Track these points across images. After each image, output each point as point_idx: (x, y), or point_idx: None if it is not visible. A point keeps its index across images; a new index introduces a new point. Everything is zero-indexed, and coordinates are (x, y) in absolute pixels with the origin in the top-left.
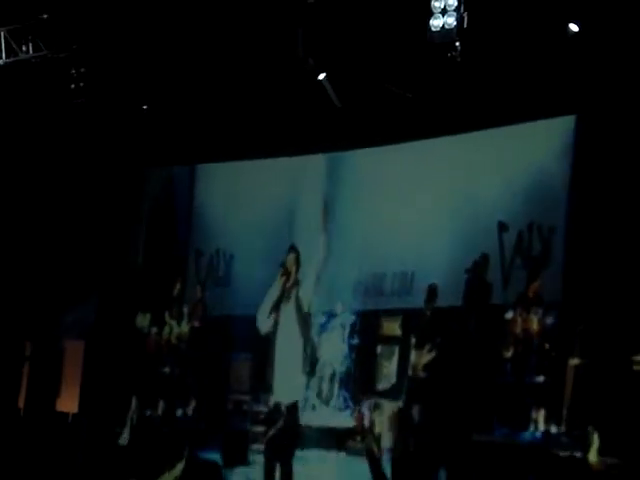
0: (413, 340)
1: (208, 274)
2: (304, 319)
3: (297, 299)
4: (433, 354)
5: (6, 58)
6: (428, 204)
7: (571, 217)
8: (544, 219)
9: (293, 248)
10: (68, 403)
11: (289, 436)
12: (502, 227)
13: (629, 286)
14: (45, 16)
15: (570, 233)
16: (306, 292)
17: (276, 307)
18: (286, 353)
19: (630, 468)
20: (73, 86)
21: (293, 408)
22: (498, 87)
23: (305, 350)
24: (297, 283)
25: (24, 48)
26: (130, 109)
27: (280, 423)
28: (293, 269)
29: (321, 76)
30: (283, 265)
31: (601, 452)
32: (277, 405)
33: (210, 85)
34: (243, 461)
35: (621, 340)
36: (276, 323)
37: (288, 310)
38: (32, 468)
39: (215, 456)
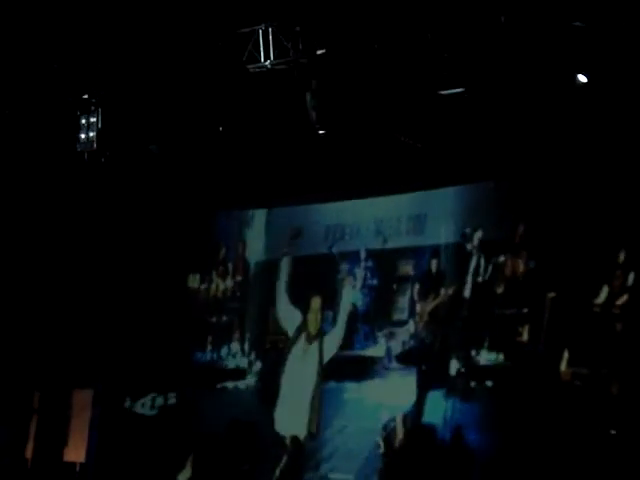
0: (417, 287)
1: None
2: (321, 370)
3: (320, 350)
4: (437, 301)
5: None
6: None
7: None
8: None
9: (318, 290)
10: (75, 453)
11: (295, 471)
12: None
13: (593, 237)
14: None
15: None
16: (330, 345)
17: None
18: (294, 392)
19: (590, 376)
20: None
21: (296, 441)
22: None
23: (312, 403)
24: (320, 335)
25: None
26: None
27: (284, 459)
28: (318, 315)
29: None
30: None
31: (569, 364)
32: (280, 438)
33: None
34: None
35: (586, 279)
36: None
37: (308, 356)
38: None
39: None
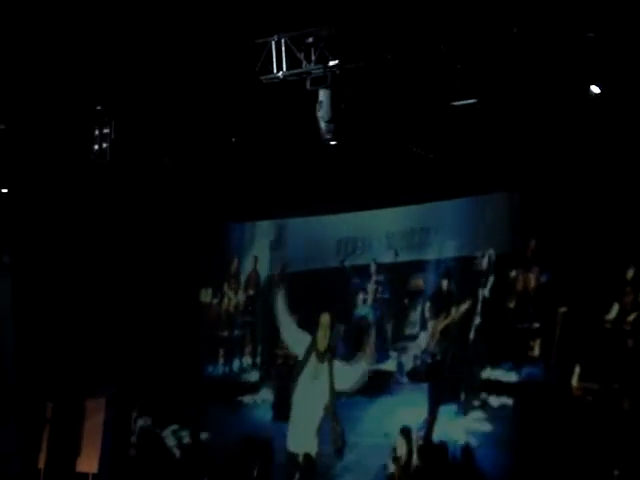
0: (428, 304)
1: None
2: (332, 388)
3: (330, 374)
4: (449, 319)
5: None
6: None
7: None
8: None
9: (327, 306)
10: (88, 463)
11: None
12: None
13: (604, 252)
14: None
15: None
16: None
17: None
18: (306, 410)
19: (601, 390)
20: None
21: (308, 459)
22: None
23: (325, 421)
24: (330, 351)
25: None
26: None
27: (297, 477)
28: (327, 332)
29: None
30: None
31: (581, 378)
32: (293, 456)
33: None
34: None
35: (597, 296)
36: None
37: (319, 374)
38: None
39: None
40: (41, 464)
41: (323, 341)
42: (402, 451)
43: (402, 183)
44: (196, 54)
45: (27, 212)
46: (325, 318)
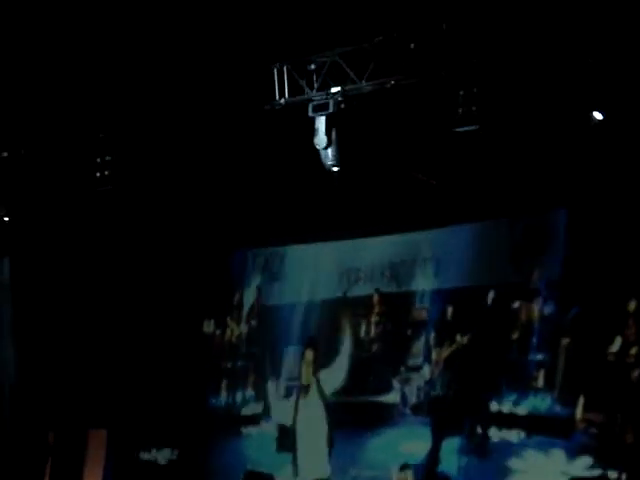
0: (432, 335)
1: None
2: (327, 404)
3: (319, 386)
4: (452, 348)
5: None
6: None
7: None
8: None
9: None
10: None
11: None
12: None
13: (606, 283)
14: None
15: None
16: (330, 375)
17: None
18: (309, 441)
19: (606, 421)
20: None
21: None
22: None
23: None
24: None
25: None
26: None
27: None
28: (310, 369)
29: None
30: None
31: (585, 409)
32: None
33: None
34: None
35: (600, 328)
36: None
37: (309, 399)
38: None
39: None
40: None
41: (306, 377)
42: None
43: (404, 210)
44: (198, 82)
45: (29, 236)
46: (309, 355)
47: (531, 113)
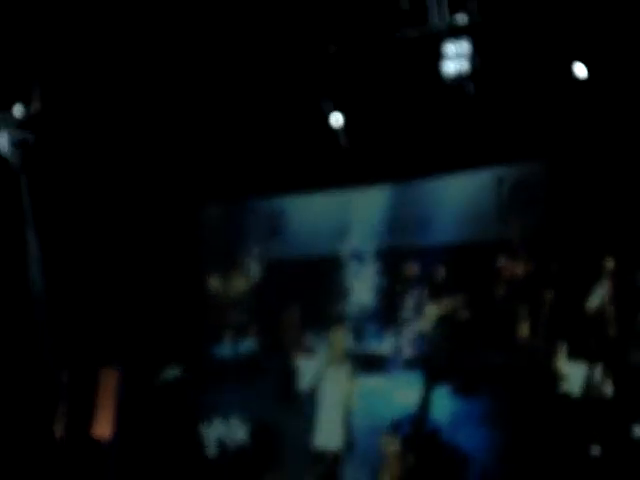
0: (425, 289)
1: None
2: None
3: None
4: (444, 304)
5: None
6: None
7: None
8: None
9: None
10: (104, 430)
11: None
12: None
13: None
14: None
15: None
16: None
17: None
18: (328, 404)
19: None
20: None
21: (335, 457)
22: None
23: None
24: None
25: None
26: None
27: (320, 468)
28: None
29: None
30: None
31: (568, 357)
32: (320, 452)
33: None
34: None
35: (578, 281)
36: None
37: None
38: None
39: None
40: (58, 432)
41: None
42: (397, 434)
43: (394, 162)
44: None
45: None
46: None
47: (518, 67)
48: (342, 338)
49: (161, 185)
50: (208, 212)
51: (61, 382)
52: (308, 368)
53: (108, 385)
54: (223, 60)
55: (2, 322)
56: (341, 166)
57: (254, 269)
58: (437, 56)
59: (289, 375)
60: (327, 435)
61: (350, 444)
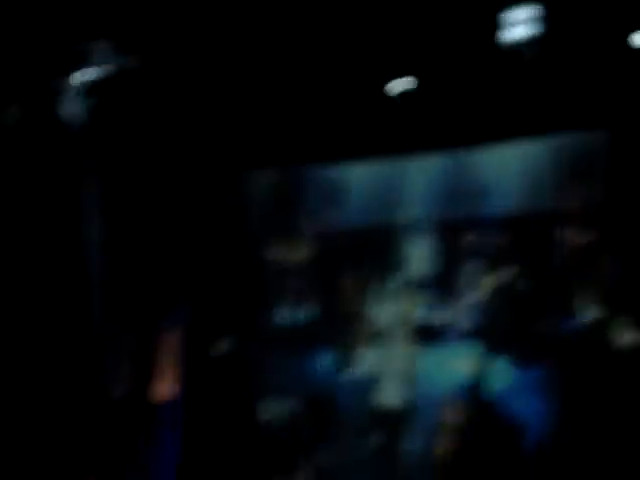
0: (483, 259)
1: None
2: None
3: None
4: (503, 275)
5: None
6: None
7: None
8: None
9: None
10: (165, 391)
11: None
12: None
13: None
14: None
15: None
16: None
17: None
18: (388, 374)
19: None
20: None
21: (397, 416)
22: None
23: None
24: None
25: None
26: None
27: (385, 429)
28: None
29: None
30: None
31: (629, 327)
32: (384, 408)
33: None
34: None
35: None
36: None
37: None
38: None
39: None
40: (117, 394)
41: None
42: (453, 405)
43: (451, 130)
44: None
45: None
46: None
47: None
48: (399, 308)
49: (216, 152)
50: (265, 180)
51: (123, 344)
52: (365, 338)
53: (170, 348)
54: (280, 21)
55: (62, 284)
56: (398, 134)
57: (311, 238)
58: (496, 21)
59: (347, 345)
60: (390, 397)
61: (409, 412)
